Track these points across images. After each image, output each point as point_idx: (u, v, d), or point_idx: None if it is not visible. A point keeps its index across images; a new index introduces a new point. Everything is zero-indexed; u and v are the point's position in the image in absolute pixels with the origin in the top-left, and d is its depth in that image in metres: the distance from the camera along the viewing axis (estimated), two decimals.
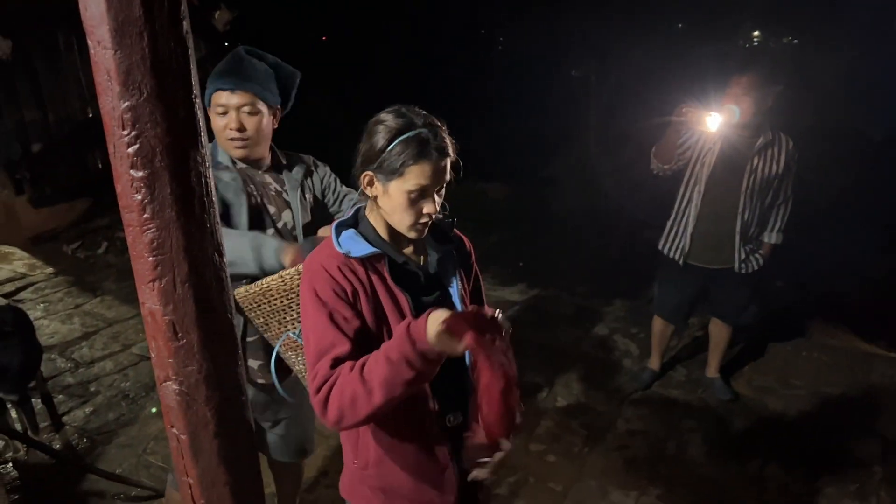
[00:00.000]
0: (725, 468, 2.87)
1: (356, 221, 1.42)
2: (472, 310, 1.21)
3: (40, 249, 5.48)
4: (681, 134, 2.88)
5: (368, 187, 1.34)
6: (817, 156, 3.98)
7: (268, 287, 1.61)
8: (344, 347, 1.26)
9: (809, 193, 3.49)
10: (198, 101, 0.88)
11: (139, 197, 0.85)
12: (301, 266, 1.52)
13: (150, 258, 0.88)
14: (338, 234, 1.37)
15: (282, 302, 1.62)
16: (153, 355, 0.97)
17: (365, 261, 1.33)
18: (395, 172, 1.28)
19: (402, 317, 1.32)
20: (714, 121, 2.67)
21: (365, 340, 1.29)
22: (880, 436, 3.03)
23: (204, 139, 0.90)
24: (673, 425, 3.17)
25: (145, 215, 0.86)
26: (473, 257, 1.56)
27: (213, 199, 0.93)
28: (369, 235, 1.38)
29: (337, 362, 1.25)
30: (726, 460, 2.91)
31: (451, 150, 1.32)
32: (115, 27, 0.78)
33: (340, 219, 1.43)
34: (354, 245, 1.33)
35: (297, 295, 1.55)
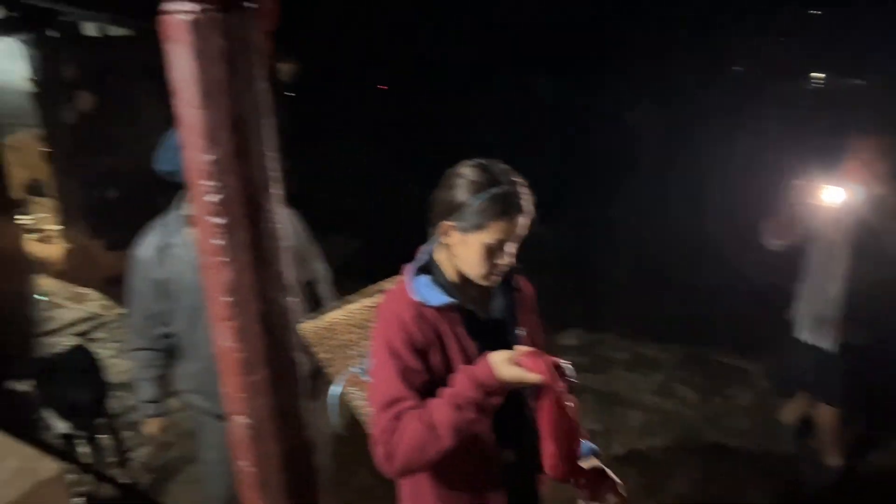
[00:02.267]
0: None
1: (427, 265, 1.45)
2: (538, 352, 1.24)
3: (113, 290, 5.73)
4: (796, 209, 2.62)
5: (444, 236, 1.39)
6: None
7: (334, 321, 1.64)
8: (411, 401, 1.29)
9: None
10: (269, 155, 0.95)
11: (219, 242, 0.93)
12: (365, 300, 1.57)
13: (226, 299, 0.95)
14: (411, 277, 1.41)
15: (347, 337, 1.65)
16: (225, 390, 1.03)
17: (439, 309, 1.38)
18: (477, 226, 1.32)
19: (469, 363, 1.35)
20: (835, 194, 2.47)
21: (431, 390, 1.33)
22: None
23: (272, 191, 0.97)
24: (734, 476, 3.07)
25: (222, 259, 0.93)
26: (535, 303, 1.59)
27: (280, 245, 1.00)
28: (443, 283, 1.42)
29: (402, 414, 1.28)
30: None
31: (531, 208, 1.36)
32: (202, 89, 0.87)
33: (412, 262, 1.46)
34: (431, 294, 1.38)
35: (363, 329, 1.60)
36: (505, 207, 1.31)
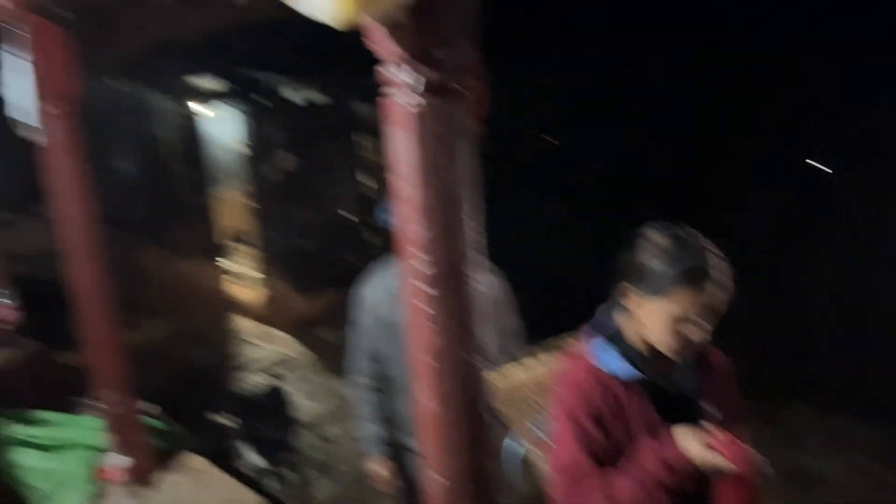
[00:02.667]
0: None
1: (612, 331, 1.42)
2: (733, 437, 1.18)
3: (302, 333, 6.22)
4: None
5: (626, 299, 1.37)
6: None
7: (517, 378, 1.68)
8: (592, 470, 1.28)
9: None
10: (477, 228, 1.02)
11: (428, 310, 1.00)
12: (549, 360, 1.59)
13: (431, 360, 1.02)
14: (594, 343, 1.40)
15: (529, 395, 1.68)
16: (422, 447, 1.09)
17: (624, 380, 1.36)
18: (659, 292, 1.28)
19: (654, 437, 1.32)
20: None
21: (612, 459, 1.31)
22: None
23: (477, 261, 1.03)
24: None
25: (433, 327, 1.00)
26: (733, 380, 1.50)
27: (480, 313, 1.05)
28: (627, 351, 1.38)
29: (582, 482, 1.27)
30: None
31: (726, 281, 1.28)
32: (420, 169, 0.95)
33: (594, 324, 1.46)
34: (613, 362, 1.35)
35: (544, 389, 1.60)
36: (692, 276, 1.25)
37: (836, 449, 3.74)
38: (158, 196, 7.10)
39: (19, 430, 2.08)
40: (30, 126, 1.84)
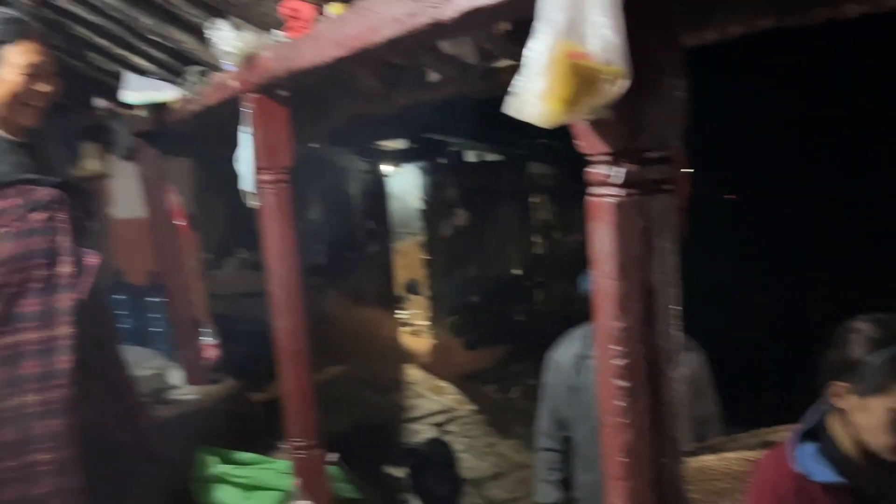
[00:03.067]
0: None
1: (817, 432, 1.33)
2: None
3: (466, 387, 6.30)
4: None
5: (837, 398, 1.27)
6: None
7: (710, 465, 1.59)
8: None
9: None
10: (675, 323, 0.99)
11: (620, 404, 0.98)
12: (745, 452, 1.50)
13: (621, 459, 0.99)
14: (795, 444, 1.31)
15: (721, 484, 1.58)
16: None
17: (824, 486, 1.25)
18: (878, 389, 1.19)
19: None
20: None
21: None
22: None
23: (675, 357, 1.00)
24: None
25: (623, 421, 0.98)
26: None
27: (679, 412, 1.01)
28: (834, 455, 1.28)
29: None
30: None
31: None
32: (619, 263, 0.95)
33: (801, 427, 1.36)
34: (816, 467, 1.25)
35: (737, 480, 1.51)
36: None
37: None
38: (344, 246, 7.64)
39: (219, 468, 2.28)
40: (252, 193, 2.08)
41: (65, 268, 1.70)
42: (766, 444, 1.45)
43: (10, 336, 1.64)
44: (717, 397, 2.24)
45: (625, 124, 0.92)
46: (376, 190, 7.16)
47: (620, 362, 0.97)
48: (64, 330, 1.68)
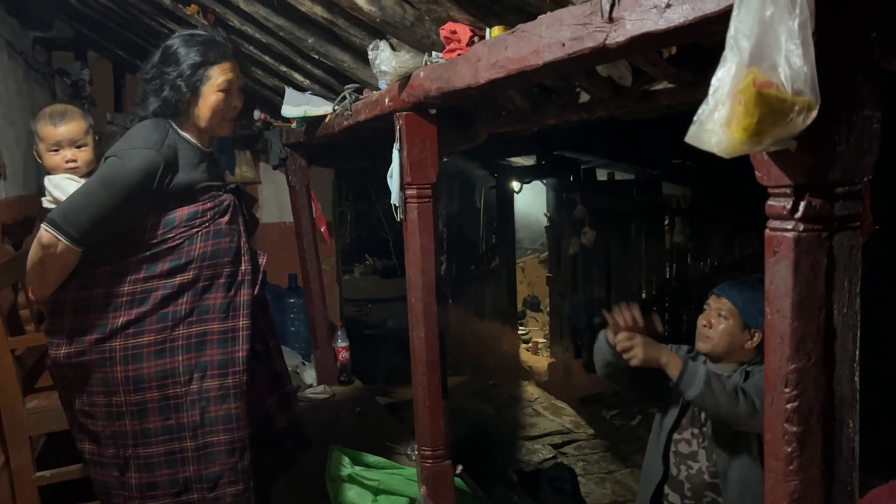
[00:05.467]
0: None
1: None
2: None
3: (585, 410, 6.17)
4: None
5: None
6: None
7: None
8: None
9: None
10: (855, 369, 0.93)
11: (788, 449, 0.93)
12: None
13: None
14: None
15: None
16: None
17: None
18: None
19: None
20: None
21: None
22: None
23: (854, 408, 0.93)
24: None
25: (790, 467, 0.93)
26: None
27: (854, 462, 0.94)
28: None
29: None
30: None
31: None
32: (797, 301, 0.90)
33: None
34: None
35: None
36: None
37: None
38: (468, 259, 7.73)
39: (351, 468, 2.37)
40: (398, 207, 2.16)
41: (245, 265, 1.87)
42: None
43: (199, 325, 1.82)
44: None
45: (812, 156, 0.88)
46: (503, 205, 7.20)
47: (791, 405, 0.92)
48: (244, 321, 1.85)
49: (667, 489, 1.98)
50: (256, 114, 3.48)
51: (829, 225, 0.89)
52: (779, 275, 0.92)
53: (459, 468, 2.38)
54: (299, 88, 2.82)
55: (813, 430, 0.91)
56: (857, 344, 0.92)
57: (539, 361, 7.04)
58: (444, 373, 2.22)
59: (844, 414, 0.91)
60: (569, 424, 5.83)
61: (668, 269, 6.38)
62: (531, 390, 6.55)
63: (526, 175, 6.69)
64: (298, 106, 2.70)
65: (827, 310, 0.90)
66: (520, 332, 7.61)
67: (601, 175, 6.64)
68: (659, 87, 1.61)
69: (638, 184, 6.42)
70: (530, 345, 7.42)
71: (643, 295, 6.50)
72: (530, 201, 7.71)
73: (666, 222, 6.37)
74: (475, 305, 7.70)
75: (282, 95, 2.80)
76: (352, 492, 2.28)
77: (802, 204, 0.88)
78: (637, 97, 1.67)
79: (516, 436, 5.45)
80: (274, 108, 3.15)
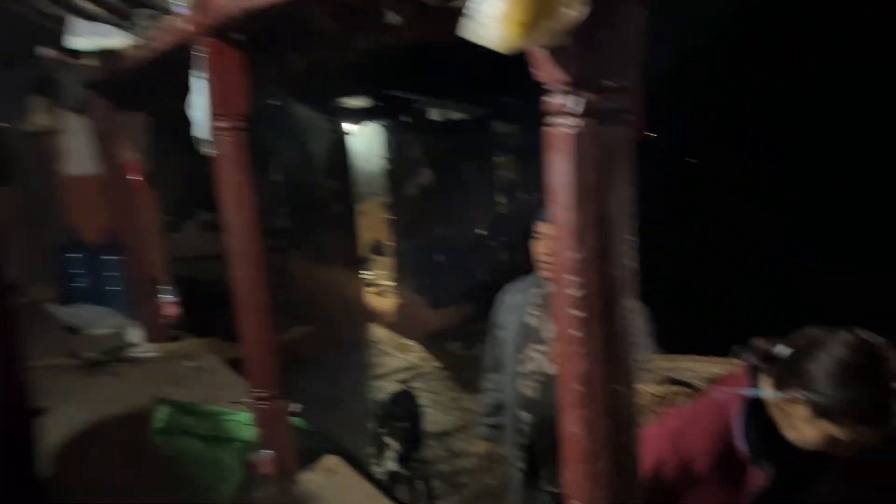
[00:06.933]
0: None
1: (757, 403, 1.35)
2: None
3: (432, 345, 6.34)
4: None
5: (790, 404, 1.27)
6: None
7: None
8: None
9: None
10: (628, 253, 0.99)
11: (575, 333, 0.99)
12: (653, 388, 1.52)
13: (578, 387, 1.00)
14: (738, 410, 1.34)
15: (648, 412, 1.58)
16: (566, 474, 1.07)
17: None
18: (831, 419, 1.21)
19: None
20: None
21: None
22: None
23: (629, 288, 1.01)
24: None
25: (578, 349, 0.99)
26: None
27: (632, 341, 1.02)
28: (768, 438, 1.33)
29: None
30: None
31: None
32: (576, 193, 0.95)
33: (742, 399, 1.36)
34: (746, 443, 1.32)
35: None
36: (868, 418, 1.19)
37: None
38: (307, 207, 7.54)
39: (184, 420, 2.27)
40: (206, 141, 2.02)
41: None
42: (674, 385, 1.51)
43: None
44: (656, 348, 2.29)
45: (584, 53, 0.91)
46: (339, 148, 7.06)
47: (577, 293, 0.97)
48: None
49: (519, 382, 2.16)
50: (44, 51, 3.10)
51: (602, 119, 0.93)
52: (559, 169, 0.96)
53: (297, 407, 2.36)
54: (87, 17, 2.53)
55: (595, 313, 0.97)
56: (631, 232, 0.98)
57: (386, 304, 7.11)
58: (271, 312, 2.16)
59: (621, 297, 0.98)
60: (416, 360, 5.98)
61: (501, 204, 6.63)
62: (379, 332, 6.63)
63: (361, 117, 6.58)
64: (87, 37, 2.43)
65: (603, 200, 0.95)
66: (365, 277, 7.62)
67: (436, 116, 6.70)
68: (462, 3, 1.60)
69: (471, 123, 6.55)
70: (376, 289, 7.46)
71: (480, 231, 6.73)
72: (368, 145, 7.63)
73: (499, 160, 6.59)
74: (318, 254, 7.57)
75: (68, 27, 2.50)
76: (183, 443, 2.18)
77: (576, 99, 0.92)
78: (443, 16, 1.66)
79: (365, 377, 5.51)
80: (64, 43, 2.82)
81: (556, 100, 0.94)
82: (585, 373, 0.99)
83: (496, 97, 5.84)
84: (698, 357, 1.65)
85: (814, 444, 1.26)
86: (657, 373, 1.66)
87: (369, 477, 2.46)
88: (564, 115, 0.93)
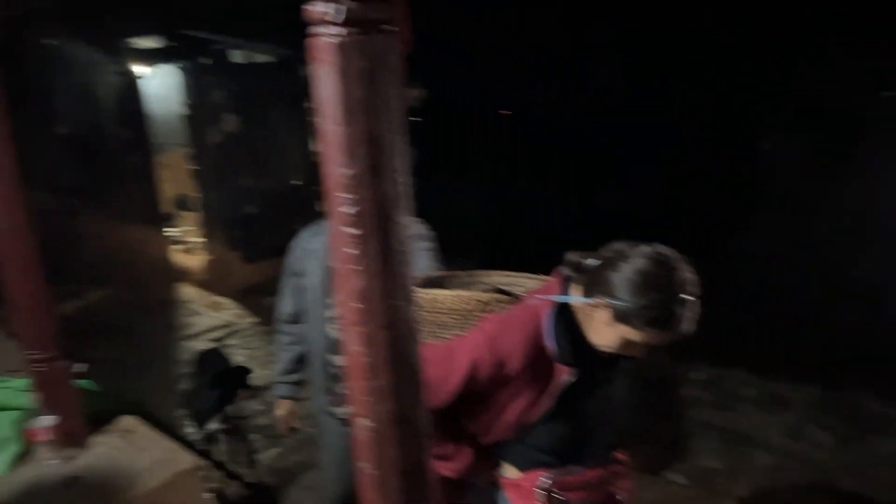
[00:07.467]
0: None
1: (563, 312, 1.46)
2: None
3: (247, 301, 6.13)
4: None
5: (594, 309, 1.38)
6: None
7: (437, 300, 1.61)
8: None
9: None
10: (401, 170, 1.00)
11: (352, 251, 0.98)
12: (476, 294, 1.59)
13: (357, 305, 1.00)
14: (548, 315, 1.44)
15: (443, 318, 1.62)
16: (350, 393, 1.08)
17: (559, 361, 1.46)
18: (629, 324, 1.33)
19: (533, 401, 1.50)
20: None
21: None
22: None
23: (403, 204, 1.01)
24: None
25: (355, 267, 0.98)
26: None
27: (408, 258, 1.03)
28: (576, 342, 1.46)
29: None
30: None
31: (692, 325, 1.34)
32: (344, 107, 0.93)
33: (553, 305, 1.46)
34: (557, 346, 1.44)
35: (463, 318, 1.60)
36: (661, 322, 1.31)
37: (768, 409, 3.89)
38: (99, 160, 6.84)
39: None
40: None
41: None
42: (492, 292, 1.60)
43: None
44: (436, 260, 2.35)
45: None
46: (131, 94, 6.45)
47: (351, 210, 0.96)
48: None
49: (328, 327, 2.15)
50: None
51: (365, 28, 0.91)
52: (325, 81, 0.93)
53: (83, 367, 2.17)
54: None
55: (370, 230, 0.97)
56: (404, 149, 0.98)
57: (194, 261, 6.72)
58: (41, 264, 1.94)
59: (395, 213, 0.98)
60: (230, 318, 5.75)
61: (315, 152, 6.47)
62: (188, 291, 6.27)
63: (154, 58, 6.04)
64: None
65: (372, 113, 0.94)
66: (171, 234, 7.13)
67: (239, 58, 6.32)
68: None
69: (277, 66, 6.27)
70: (183, 245, 7.02)
71: (294, 181, 6.53)
72: (165, 90, 7.04)
73: (309, 105, 6.39)
74: (115, 212, 6.94)
75: None
76: None
77: (338, 7, 0.89)
78: None
79: (174, 338, 5.20)
80: None
81: (317, 8, 0.90)
82: (363, 290, 0.98)
83: (305, 39, 5.61)
84: (525, 274, 1.76)
85: (612, 346, 1.39)
86: (487, 283, 1.75)
87: (172, 433, 2.34)
88: (326, 23, 0.90)
